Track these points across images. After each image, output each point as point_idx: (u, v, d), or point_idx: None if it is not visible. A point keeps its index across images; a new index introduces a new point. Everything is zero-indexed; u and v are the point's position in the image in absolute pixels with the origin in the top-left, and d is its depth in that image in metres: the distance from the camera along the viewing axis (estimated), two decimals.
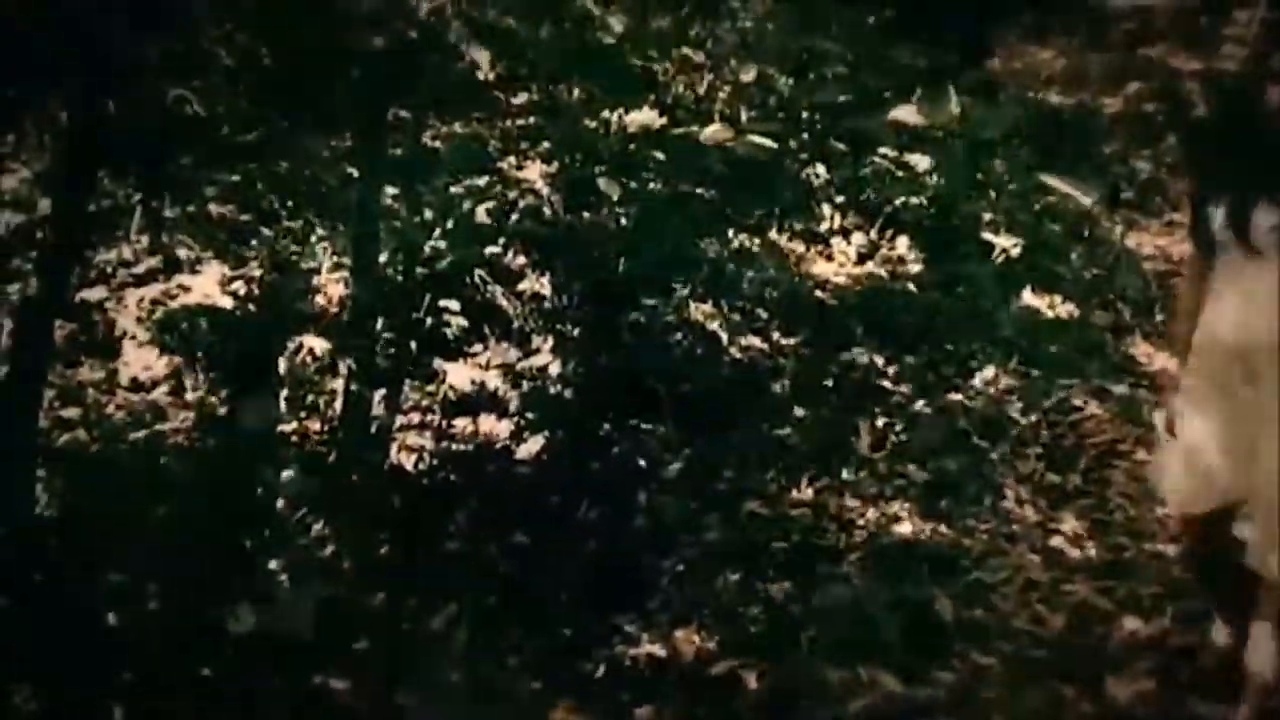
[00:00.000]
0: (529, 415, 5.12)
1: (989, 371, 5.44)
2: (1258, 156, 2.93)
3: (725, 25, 7.79)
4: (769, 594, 3.88)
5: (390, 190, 5.75)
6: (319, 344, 5.31)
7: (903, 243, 6.70)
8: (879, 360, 5.42)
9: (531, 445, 4.95)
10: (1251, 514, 3.01)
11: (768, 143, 2.95)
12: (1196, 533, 3.15)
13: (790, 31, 7.30)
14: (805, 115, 7.00)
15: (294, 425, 4.98)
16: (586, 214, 6.28)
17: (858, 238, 6.79)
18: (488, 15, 4.37)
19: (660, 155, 6.65)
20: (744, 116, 4.60)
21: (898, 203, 6.83)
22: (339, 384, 4.82)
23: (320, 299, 5.70)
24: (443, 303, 5.65)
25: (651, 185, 6.59)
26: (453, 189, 6.45)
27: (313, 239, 6.12)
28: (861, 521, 4.35)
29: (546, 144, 7.02)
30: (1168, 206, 6.96)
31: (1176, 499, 3.17)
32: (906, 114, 2.65)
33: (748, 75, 7.04)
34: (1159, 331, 5.60)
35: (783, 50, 7.62)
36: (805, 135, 7.28)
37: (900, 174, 7.15)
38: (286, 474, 4.40)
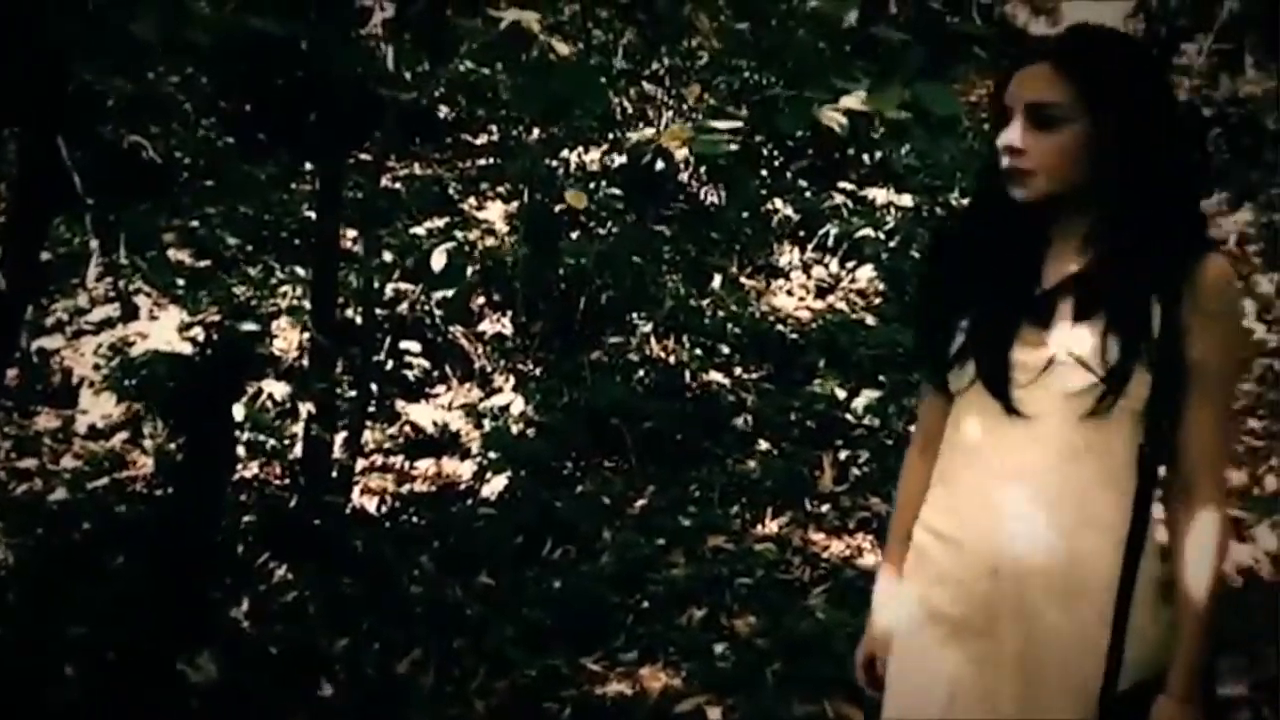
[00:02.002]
0: (491, 455, 5.11)
1: None
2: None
3: (684, 62, 7.88)
4: (734, 629, 3.87)
5: (350, 232, 5.75)
6: (279, 388, 5.29)
7: (863, 276, 6.75)
8: (841, 393, 5.44)
9: (494, 485, 4.93)
10: None
11: (724, 138, 2.96)
12: None
13: (744, 65, 7.40)
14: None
15: (255, 470, 4.95)
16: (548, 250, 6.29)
17: (818, 271, 6.84)
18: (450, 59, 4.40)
19: (619, 192, 6.71)
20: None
21: (857, 236, 6.89)
22: (299, 428, 4.79)
23: (280, 343, 5.68)
24: (403, 344, 5.65)
25: (612, 222, 6.63)
26: (413, 230, 6.46)
27: (272, 282, 6.10)
28: (826, 555, 4.36)
29: (507, 185, 7.05)
30: None
31: None
32: (854, 102, 2.65)
33: (692, 93, 7.14)
34: None
35: (737, 83, 7.71)
36: (765, 173, 7.35)
37: (859, 207, 7.22)
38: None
